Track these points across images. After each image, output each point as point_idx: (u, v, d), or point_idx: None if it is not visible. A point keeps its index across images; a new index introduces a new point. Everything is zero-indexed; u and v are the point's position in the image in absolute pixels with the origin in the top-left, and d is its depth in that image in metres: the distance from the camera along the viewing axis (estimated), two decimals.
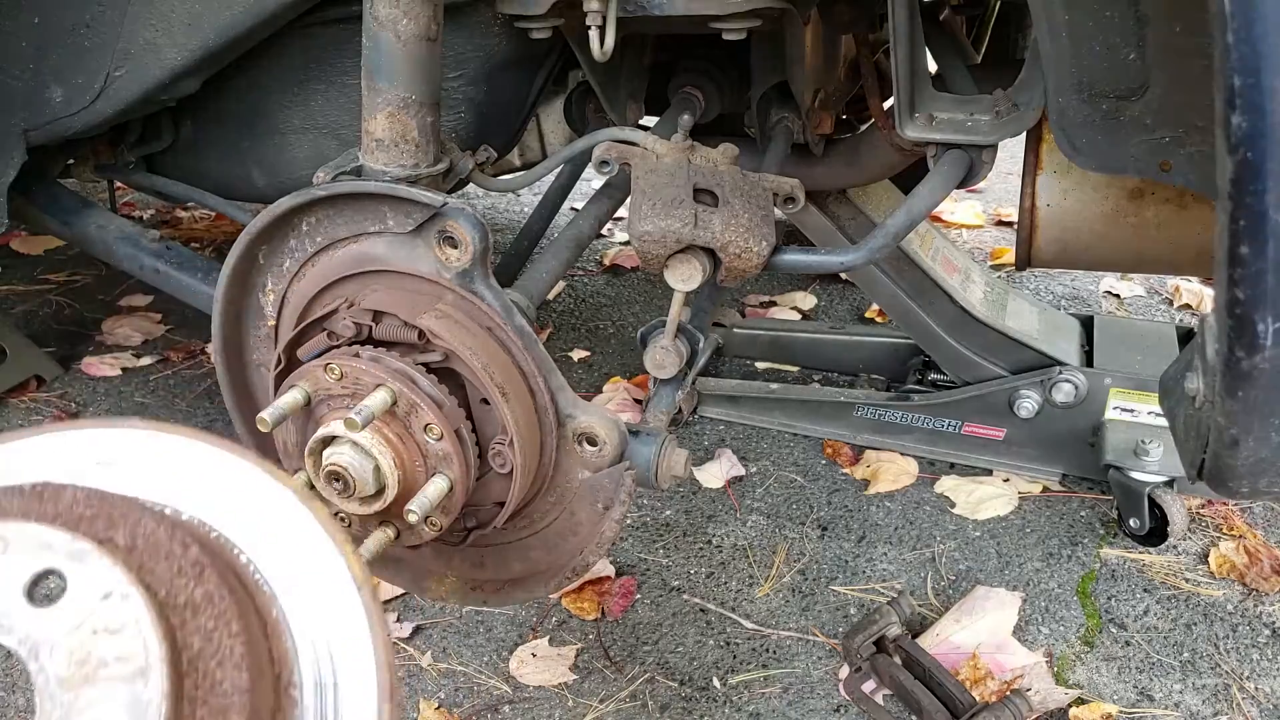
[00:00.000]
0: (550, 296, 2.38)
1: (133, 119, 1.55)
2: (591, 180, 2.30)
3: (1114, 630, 1.48)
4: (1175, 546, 1.64)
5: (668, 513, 1.76)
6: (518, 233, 1.62)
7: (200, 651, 0.49)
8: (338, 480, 1.01)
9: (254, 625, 0.52)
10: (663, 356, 1.27)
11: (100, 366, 2.27)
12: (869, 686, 1.37)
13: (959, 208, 3.13)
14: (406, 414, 1.01)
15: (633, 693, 1.40)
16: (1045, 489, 1.78)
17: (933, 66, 1.46)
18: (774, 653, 1.46)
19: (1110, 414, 1.68)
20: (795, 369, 2.17)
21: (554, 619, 1.53)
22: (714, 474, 1.85)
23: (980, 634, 1.44)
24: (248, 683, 0.49)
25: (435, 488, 1.01)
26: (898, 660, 1.37)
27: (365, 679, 0.53)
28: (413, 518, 0.98)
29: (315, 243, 1.11)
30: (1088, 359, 1.79)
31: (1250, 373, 0.73)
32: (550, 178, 1.56)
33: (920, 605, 1.51)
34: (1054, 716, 1.34)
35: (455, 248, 1.03)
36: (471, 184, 1.28)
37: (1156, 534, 1.59)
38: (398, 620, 1.53)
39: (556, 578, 1.17)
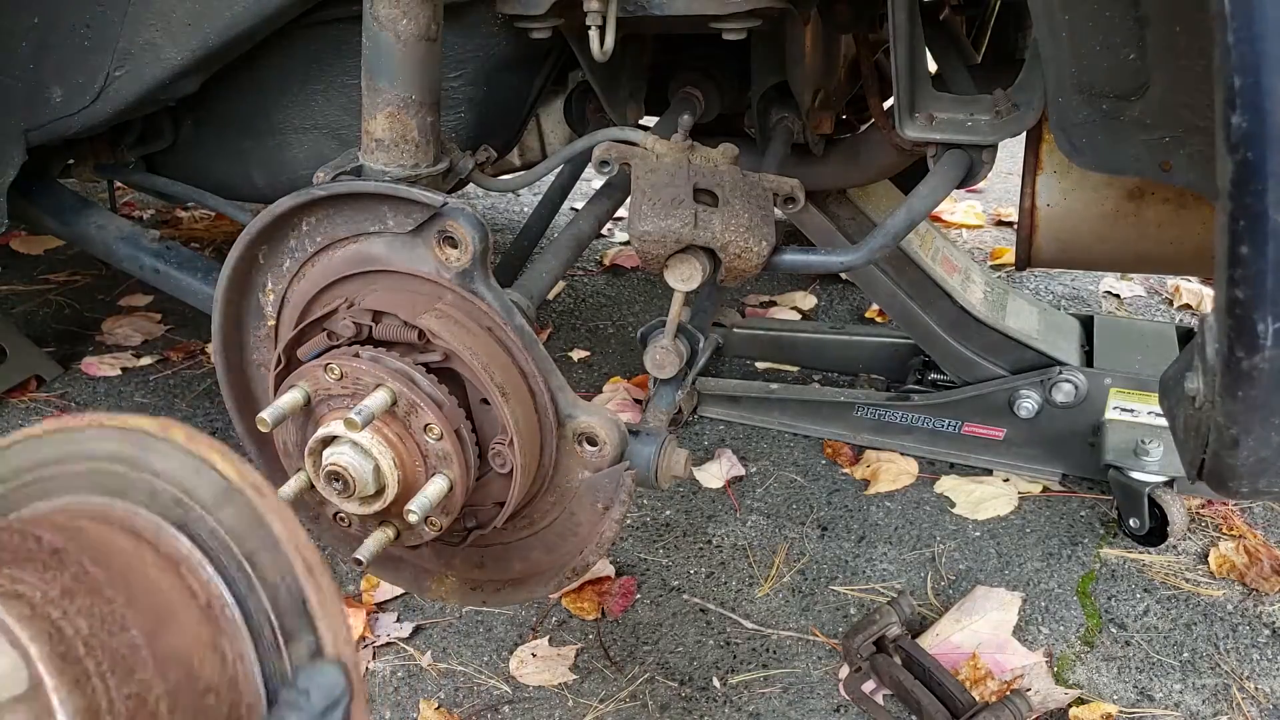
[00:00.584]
0: (550, 296, 2.38)
1: (133, 119, 1.55)
2: (591, 180, 2.30)
3: (1114, 630, 1.48)
4: (1175, 546, 1.64)
5: (668, 513, 1.76)
6: (518, 233, 1.63)
7: (92, 630, 0.49)
8: (337, 480, 1.01)
9: (153, 571, 0.53)
10: (663, 356, 1.27)
11: (100, 366, 2.27)
12: (869, 686, 1.37)
13: (959, 208, 3.13)
14: (406, 414, 1.01)
15: (633, 693, 1.40)
16: (1045, 489, 1.78)
17: (933, 66, 1.46)
18: (774, 653, 1.46)
19: (1110, 414, 1.68)
20: (795, 369, 2.17)
21: (554, 619, 1.53)
22: (714, 474, 1.85)
23: (980, 634, 1.44)
24: (141, 637, 0.49)
25: (435, 488, 1.01)
26: (898, 660, 1.37)
27: (284, 566, 0.54)
28: (413, 518, 0.98)
29: (315, 243, 1.11)
30: (1088, 359, 1.79)
31: (1250, 373, 0.73)
32: (550, 178, 1.56)
33: (920, 605, 1.51)
34: (1054, 716, 1.34)
35: (455, 247, 1.03)
36: (471, 184, 1.28)
37: (1156, 534, 1.60)
38: (398, 620, 1.53)
39: (556, 578, 1.17)
